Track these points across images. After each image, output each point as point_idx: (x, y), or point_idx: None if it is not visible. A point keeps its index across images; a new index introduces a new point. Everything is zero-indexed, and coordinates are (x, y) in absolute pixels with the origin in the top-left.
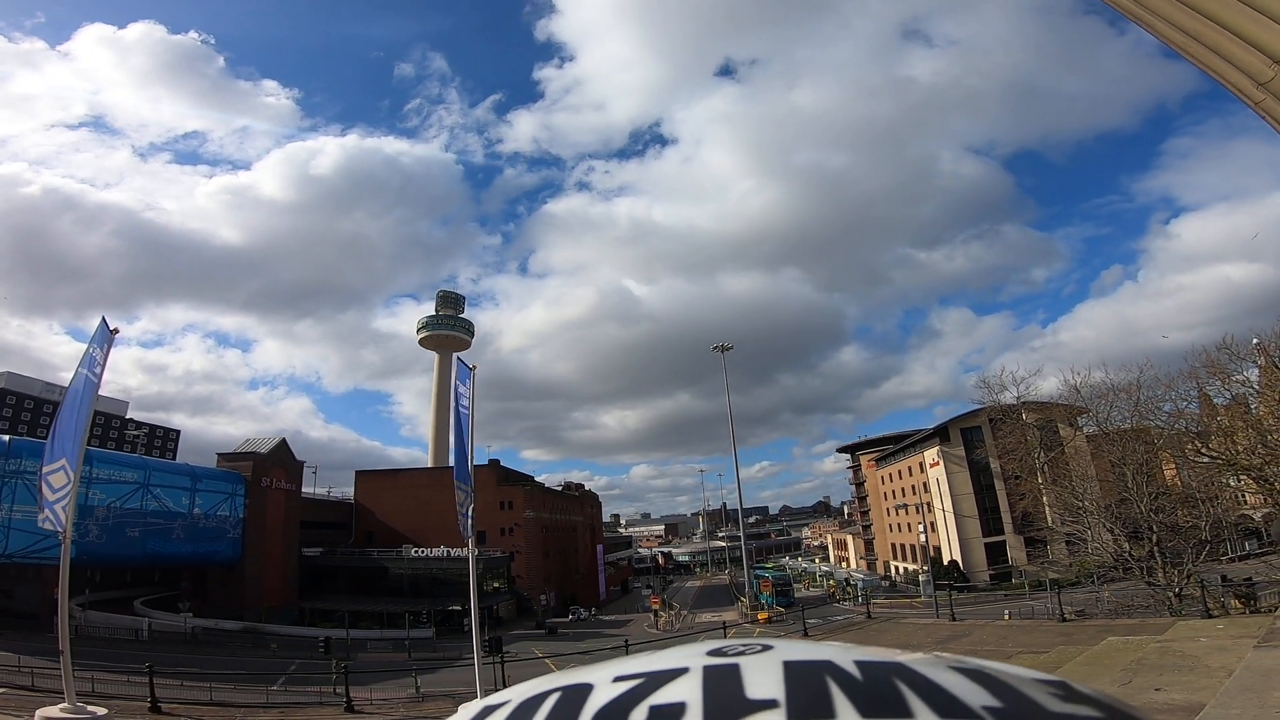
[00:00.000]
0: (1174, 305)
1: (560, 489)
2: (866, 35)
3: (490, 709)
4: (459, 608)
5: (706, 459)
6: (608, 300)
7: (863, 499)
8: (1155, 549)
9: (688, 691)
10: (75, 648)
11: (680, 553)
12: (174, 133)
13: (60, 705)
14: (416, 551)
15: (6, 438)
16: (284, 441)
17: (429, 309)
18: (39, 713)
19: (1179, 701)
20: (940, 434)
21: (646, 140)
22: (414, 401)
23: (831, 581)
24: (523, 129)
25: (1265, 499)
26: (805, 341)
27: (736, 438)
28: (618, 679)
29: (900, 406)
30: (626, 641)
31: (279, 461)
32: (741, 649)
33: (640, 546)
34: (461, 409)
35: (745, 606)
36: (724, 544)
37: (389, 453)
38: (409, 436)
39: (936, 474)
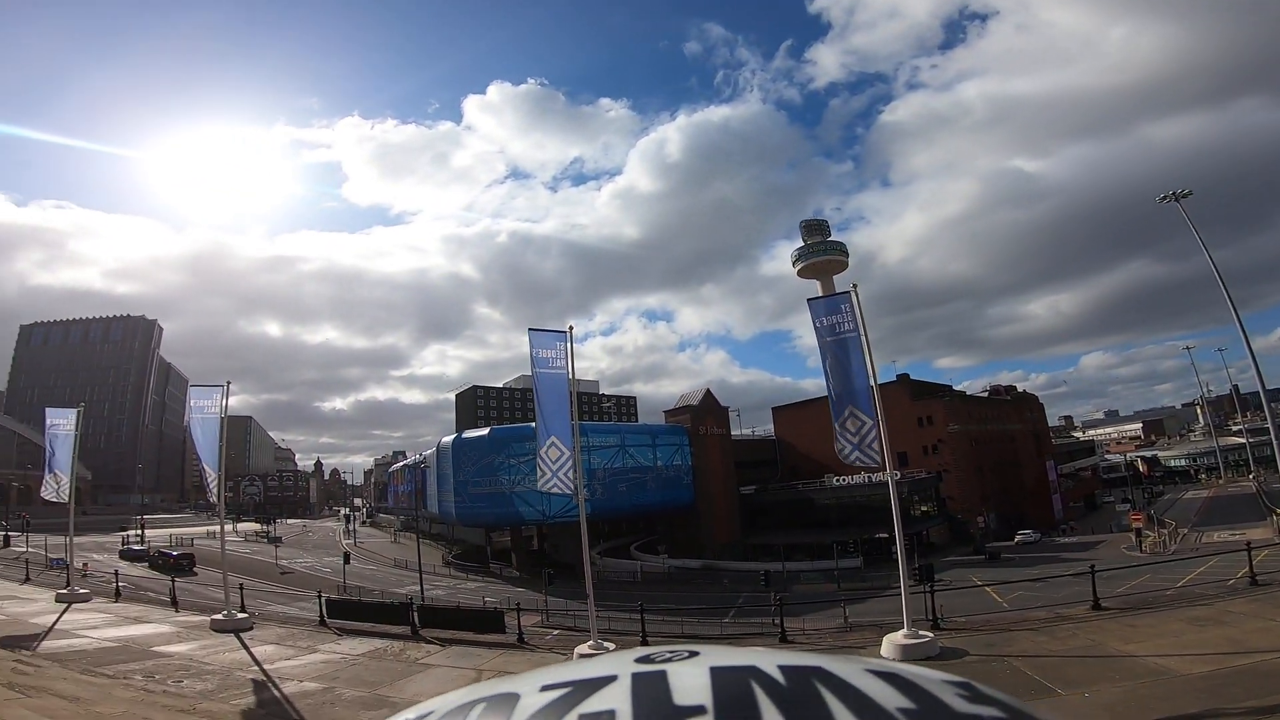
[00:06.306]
0: None
1: (986, 395)
2: None
3: None
4: (885, 535)
5: (1193, 334)
6: (993, 186)
7: None
8: None
9: (616, 699)
10: (597, 591)
11: (1170, 455)
12: (562, 163)
13: (588, 643)
14: (838, 480)
15: (485, 431)
16: (709, 391)
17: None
18: (576, 650)
19: None
20: None
21: (960, 24)
22: (814, 335)
23: None
24: (826, 62)
25: None
26: None
27: (1236, 301)
28: (545, 688)
29: None
30: (1093, 567)
31: (709, 410)
32: (669, 655)
33: (1108, 452)
34: (844, 332)
35: None
36: (1241, 440)
37: (800, 385)
38: (815, 368)
39: None
